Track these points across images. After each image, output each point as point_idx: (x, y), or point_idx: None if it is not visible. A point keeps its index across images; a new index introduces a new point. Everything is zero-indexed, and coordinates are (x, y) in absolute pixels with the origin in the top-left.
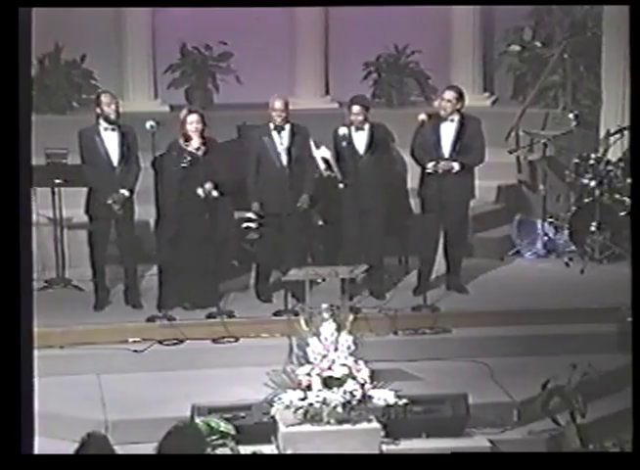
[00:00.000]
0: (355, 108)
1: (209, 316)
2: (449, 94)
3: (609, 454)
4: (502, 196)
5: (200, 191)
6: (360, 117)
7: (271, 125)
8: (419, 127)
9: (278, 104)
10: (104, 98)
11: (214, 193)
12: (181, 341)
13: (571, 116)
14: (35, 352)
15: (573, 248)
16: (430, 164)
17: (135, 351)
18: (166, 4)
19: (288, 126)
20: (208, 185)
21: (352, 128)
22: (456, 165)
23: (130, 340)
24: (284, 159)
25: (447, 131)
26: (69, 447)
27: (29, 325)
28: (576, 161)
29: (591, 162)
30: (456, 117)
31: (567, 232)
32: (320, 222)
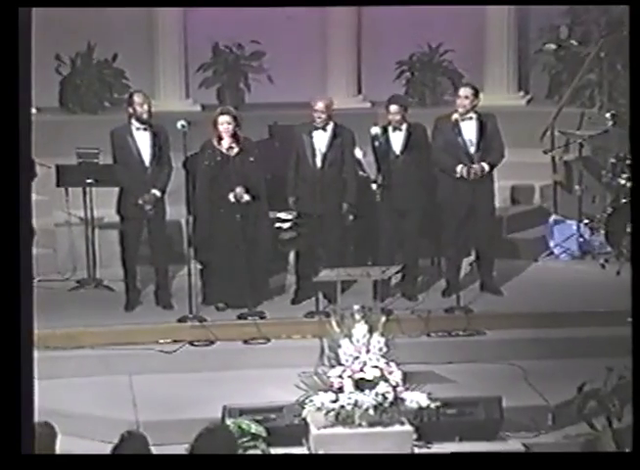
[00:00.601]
0: (393, 107)
1: (241, 317)
2: (466, 91)
3: (609, 454)
4: (537, 196)
5: (231, 196)
6: (398, 117)
7: (312, 125)
8: (436, 129)
9: (320, 105)
10: (136, 98)
11: (246, 197)
12: (212, 342)
13: (607, 115)
14: (66, 353)
15: (609, 249)
16: (459, 168)
17: (166, 352)
18: (169, 4)
19: (330, 127)
20: (239, 189)
21: (390, 128)
22: (486, 166)
23: (161, 341)
24: (318, 160)
25: (469, 130)
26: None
27: (30, 325)
28: (613, 161)
29: (628, 161)
30: (474, 116)
31: (603, 233)
32: (351, 219)
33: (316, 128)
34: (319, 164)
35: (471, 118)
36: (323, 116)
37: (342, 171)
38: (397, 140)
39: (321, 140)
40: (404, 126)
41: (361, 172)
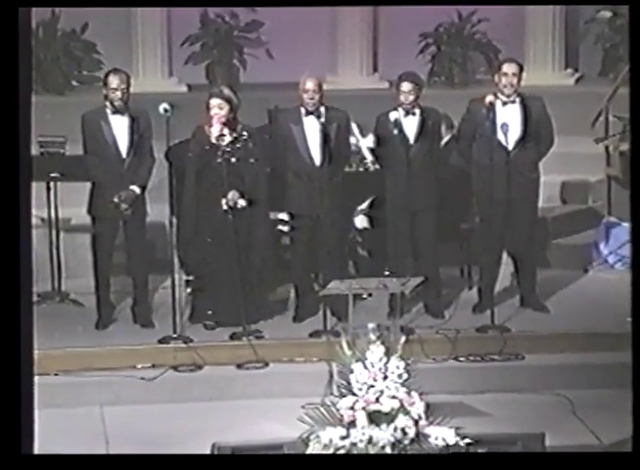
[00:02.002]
0: (406, 85)
1: (234, 337)
2: (512, 67)
3: (609, 454)
4: (586, 194)
5: (223, 202)
6: (412, 97)
7: (302, 110)
8: (469, 113)
9: (309, 84)
10: (113, 78)
11: (241, 202)
12: (199, 367)
13: None
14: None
15: None
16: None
17: (145, 378)
18: (169, 4)
19: (322, 111)
20: (232, 194)
21: (401, 112)
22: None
23: (139, 365)
24: (315, 151)
25: (511, 116)
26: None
27: (29, 325)
28: None
29: None
30: (517, 98)
31: None
32: (365, 225)
33: (309, 113)
34: (315, 155)
35: (514, 102)
36: (316, 97)
37: (342, 163)
38: (411, 126)
39: (313, 128)
40: (417, 111)
41: (377, 165)
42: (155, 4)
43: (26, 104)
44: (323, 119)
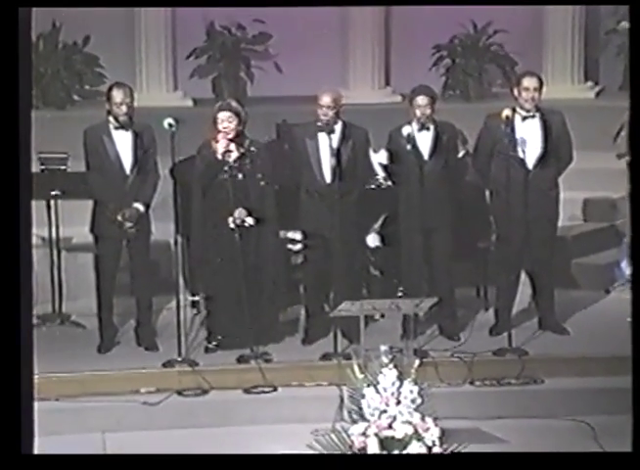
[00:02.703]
0: (422, 99)
1: (241, 360)
2: (532, 81)
3: (609, 454)
4: (608, 212)
5: (230, 220)
6: (428, 112)
7: (317, 125)
8: (485, 129)
9: (325, 99)
10: (117, 92)
11: (249, 220)
12: (205, 391)
13: None
14: None
15: None
16: None
17: (148, 403)
18: (170, 4)
19: (339, 127)
20: (239, 212)
21: (414, 126)
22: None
23: (142, 390)
24: (328, 169)
25: (531, 131)
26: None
27: (29, 349)
28: None
29: None
30: (537, 113)
31: None
32: (377, 243)
33: (321, 129)
34: (329, 173)
35: (533, 117)
36: (331, 112)
37: (356, 182)
38: (425, 141)
39: (329, 144)
40: (432, 125)
41: (389, 182)
42: (160, 4)
43: (27, 105)
44: (338, 136)
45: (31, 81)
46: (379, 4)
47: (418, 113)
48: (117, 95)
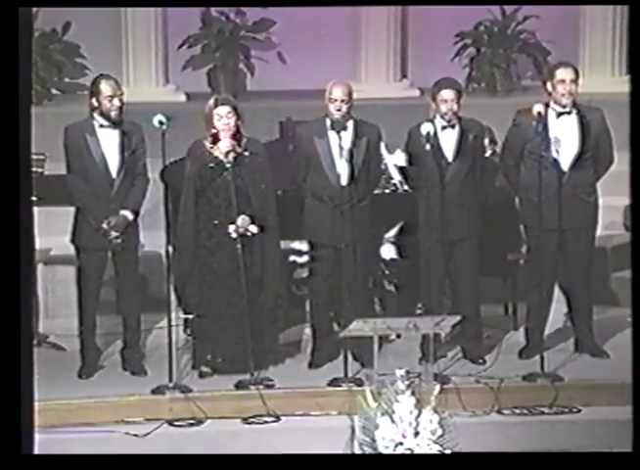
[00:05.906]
0: (448, 93)
1: (239, 386)
2: (568, 73)
3: (609, 454)
4: None
5: (231, 229)
6: (455, 107)
7: (327, 122)
8: (515, 127)
9: (337, 92)
10: (105, 86)
11: (253, 229)
12: (200, 421)
13: None
14: None
15: None
16: None
17: (135, 435)
18: (171, 4)
19: (351, 124)
20: (242, 220)
21: (438, 124)
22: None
23: (129, 419)
24: (342, 171)
25: (567, 129)
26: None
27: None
28: None
29: None
30: (573, 109)
31: None
32: (392, 255)
33: (332, 127)
34: (343, 174)
35: (569, 113)
36: (344, 107)
37: (371, 186)
38: (449, 141)
39: (339, 144)
40: (456, 122)
41: (406, 186)
42: (160, 4)
43: (27, 105)
44: (350, 134)
45: (32, 81)
46: (392, 4)
47: (444, 108)
48: (108, 88)
